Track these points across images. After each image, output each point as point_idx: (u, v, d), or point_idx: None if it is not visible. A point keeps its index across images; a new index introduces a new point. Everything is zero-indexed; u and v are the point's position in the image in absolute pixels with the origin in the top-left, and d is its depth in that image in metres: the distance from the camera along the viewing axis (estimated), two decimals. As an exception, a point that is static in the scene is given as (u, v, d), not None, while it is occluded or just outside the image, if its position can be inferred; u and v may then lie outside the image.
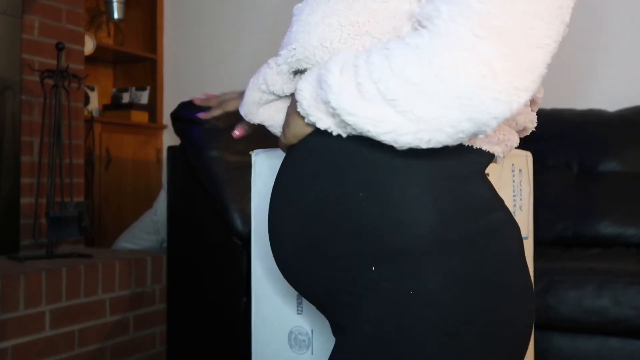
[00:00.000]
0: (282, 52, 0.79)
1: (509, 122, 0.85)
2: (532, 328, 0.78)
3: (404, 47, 0.64)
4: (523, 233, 1.10)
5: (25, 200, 2.32)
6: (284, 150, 0.88)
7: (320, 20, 0.74)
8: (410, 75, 0.62)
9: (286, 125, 0.81)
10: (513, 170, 1.19)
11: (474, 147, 0.75)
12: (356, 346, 0.74)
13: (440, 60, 0.61)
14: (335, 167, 0.75)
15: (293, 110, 0.78)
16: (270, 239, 0.85)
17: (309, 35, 0.74)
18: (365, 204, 0.72)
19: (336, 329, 0.80)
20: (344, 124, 0.69)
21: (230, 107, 1.02)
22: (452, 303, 0.70)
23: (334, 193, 0.74)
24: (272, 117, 0.89)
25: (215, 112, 1.02)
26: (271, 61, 0.82)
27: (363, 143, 0.73)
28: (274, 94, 0.85)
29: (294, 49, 0.76)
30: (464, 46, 0.61)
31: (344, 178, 0.74)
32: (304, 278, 0.80)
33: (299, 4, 0.80)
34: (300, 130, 0.78)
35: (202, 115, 1.04)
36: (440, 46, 0.62)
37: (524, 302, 0.76)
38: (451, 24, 0.62)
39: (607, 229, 2.15)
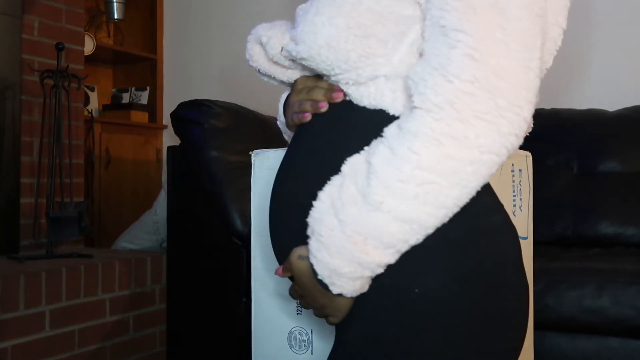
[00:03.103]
0: (288, 47, 0.79)
1: None
2: (526, 327, 0.79)
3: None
4: (523, 233, 1.10)
5: (25, 200, 2.32)
6: (291, 129, 0.89)
7: (326, 21, 0.75)
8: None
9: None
10: (513, 170, 1.19)
11: None
12: (357, 341, 0.75)
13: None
14: (337, 167, 0.75)
15: None
16: (271, 236, 0.85)
17: (315, 35, 0.75)
18: None
19: (336, 326, 0.81)
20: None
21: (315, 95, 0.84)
22: (452, 300, 0.71)
23: None
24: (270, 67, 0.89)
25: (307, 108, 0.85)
26: (287, 33, 0.83)
27: (366, 142, 0.74)
28: (266, 52, 0.86)
29: (299, 47, 0.77)
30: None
31: None
32: None
33: (303, 5, 0.80)
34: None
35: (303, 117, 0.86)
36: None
37: (520, 302, 0.77)
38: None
39: (607, 229, 2.15)
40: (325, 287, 0.72)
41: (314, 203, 0.72)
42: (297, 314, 1.15)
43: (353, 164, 0.71)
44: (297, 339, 1.15)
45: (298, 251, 0.76)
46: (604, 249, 2.07)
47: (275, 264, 0.86)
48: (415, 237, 0.69)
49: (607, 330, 1.65)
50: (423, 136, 0.66)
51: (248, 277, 1.23)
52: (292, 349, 1.15)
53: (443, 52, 0.66)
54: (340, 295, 0.72)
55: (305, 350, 1.14)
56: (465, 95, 0.65)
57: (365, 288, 0.72)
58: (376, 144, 0.70)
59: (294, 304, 1.16)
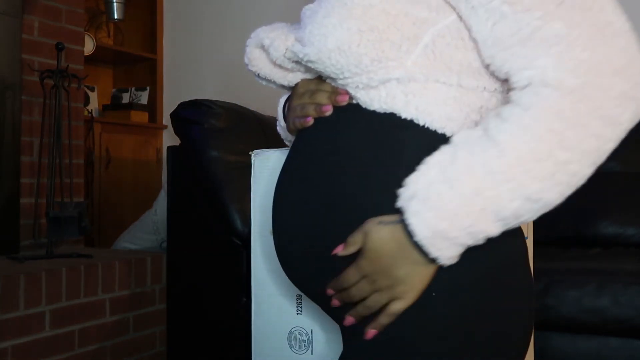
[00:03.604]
0: (294, 48, 0.78)
1: None
2: (532, 328, 0.79)
3: None
4: (523, 233, 1.10)
5: (25, 200, 2.32)
6: (292, 133, 0.88)
7: (337, 24, 0.73)
8: None
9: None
10: (513, 170, 1.18)
11: None
12: (368, 345, 0.74)
13: None
14: (347, 171, 0.75)
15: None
16: (275, 241, 0.84)
17: (325, 38, 0.74)
18: (382, 209, 0.72)
19: (346, 329, 0.80)
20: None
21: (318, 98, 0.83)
22: (467, 304, 0.71)
23: (349, 197, 0.74)
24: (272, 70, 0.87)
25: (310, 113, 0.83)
26: (290, 34, 0.81)
27: (381, 148, 0.73)
28: (269, 55, 0.84)
29: (307, 49, 0.76)
30: None
31: (360, 183, 0.74)
32: (313, 277, 0.80)
33: (310, 5, 0.79)
34: None
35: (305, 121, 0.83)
36: None
37: (529, 302, 0.78)
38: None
39: (607, 229, 2.15)
40: (421, 248, 0.69)
41: (420, 167, 0.70)
42: (297, 314, 1.15)
43: (468, 136, 0.70)
44: (297, 339, 1.15)
45: (376, 219, 0.72)
46: (604, 249, 2.07)
47: (275, 264, 0.86)
48: (532, 216, 0.69)
49: (607, 330, 1.65)
50: (566, 116, 0.65)
51: (248, 277, 1.23)
52: (292, 349, 1.15)
53: (559, 37, 0.66)
54: (434, 261, 0.69)
55: (305, 351, 1.14)
56: (609, 75, 0.65)
57: (456, 259, 0.70)
58: (496, 122, 0.68)
59: (294, 304, 1.16)
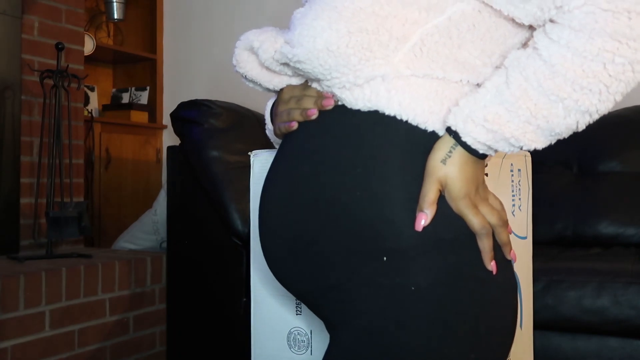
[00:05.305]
0: (284, 49, 0.79)
1: None
2: (516, 323, 0.80)
3: None
4: (522, 233, 1.10)
5: (25, 200, 2.32)
6: (279, 137, 0.89)
7: (327, 26, 0.74)
8: None
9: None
10: (512, 170, 1.19)
11: None
12: (351, 340, 0.75)
13: None
14: (328, 169, 0.76)
15: None
16: (260, 235, 0.85)
17: (314, 39, 0.74)
18: (362, 204, 0.73)
19: (330, 326, 0.81)
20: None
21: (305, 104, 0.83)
22: (445, 298, 0.72)
23: (331, 193, 0.75)
24: (259, 74, 0.88)
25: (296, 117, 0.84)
26: (280, 37, 0.82)
27: (362, 144, 0.74)
28: (258, 57, 0.85)
29: (296, 50, 0.77)
30: None
31: (341, 179, 0.75)
32: (297, 275, 0.81)
33: (300, 9, 0.80)
34: None
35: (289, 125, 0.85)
36: None
37: (510, 298, 0.79)
38: None
39: (607, 228, 2.15)
40: (480, 149, 0.72)
41: (479, 90, 0.72)
42: (297, 314, 1.15)
43: (518, 58, 0.71)
44: (297, 340, 1.15)
45: (435, 160, 0.73)
46: (604, 249, 2.07)
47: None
48: (585, 125, 0.71)
49: (607, 330, 1.65)
50: (619, 35, 0.65)
51: (248, 277, 1.23)
52: (292, 349, 1.15)
53: None
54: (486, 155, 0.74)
55: (304, 351, 1.14)
56: None
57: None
58: (546, 43, 0.69)
59: (293, 304, 1.16)
